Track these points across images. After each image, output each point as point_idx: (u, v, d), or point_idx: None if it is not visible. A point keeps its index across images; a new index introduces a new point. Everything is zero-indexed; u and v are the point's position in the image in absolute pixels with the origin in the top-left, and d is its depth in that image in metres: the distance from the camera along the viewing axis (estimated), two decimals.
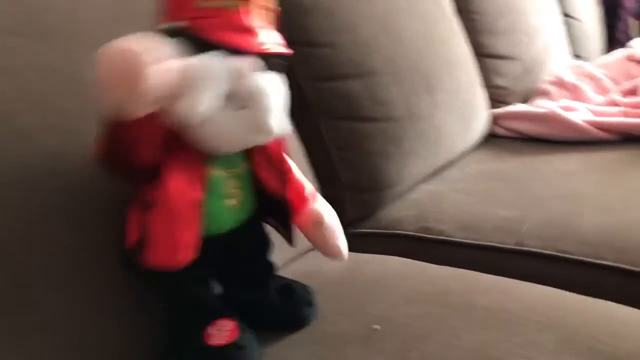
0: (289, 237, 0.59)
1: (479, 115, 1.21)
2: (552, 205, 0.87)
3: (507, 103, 1.37)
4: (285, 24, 0.85)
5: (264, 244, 0.61)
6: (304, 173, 0.85)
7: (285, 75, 0.51)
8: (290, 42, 0.85)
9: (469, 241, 0.81)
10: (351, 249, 0.83)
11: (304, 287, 0.62)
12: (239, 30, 0.47)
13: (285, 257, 0.77)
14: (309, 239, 0.61)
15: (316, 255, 0.82)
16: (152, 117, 0.43)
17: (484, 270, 0.71)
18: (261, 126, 0.48)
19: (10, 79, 0.53)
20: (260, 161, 0.55)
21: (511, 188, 0.94)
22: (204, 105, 0.45)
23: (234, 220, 0.54)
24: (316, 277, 0.71)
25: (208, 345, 0.52)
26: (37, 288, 0.50)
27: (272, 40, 0.49)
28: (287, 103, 0.51)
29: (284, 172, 0.56)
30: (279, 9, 0.51)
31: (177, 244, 0.48)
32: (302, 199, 0.59)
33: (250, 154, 0.55)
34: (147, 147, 0.46)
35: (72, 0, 0.60)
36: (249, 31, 0.47)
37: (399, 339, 0.56)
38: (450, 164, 1.11)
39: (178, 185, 0.48)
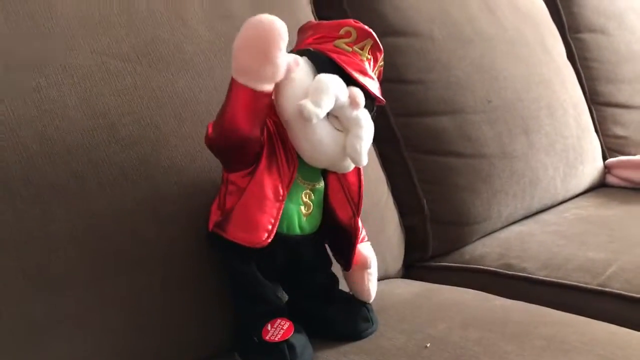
0: (343, 263, 0.64)
1: (588, 162, 1.17)
2: None
3: (627, 154, 1.31)
4: None
5: (325, 259, 0.65)
6: (386, 203, 0.89)
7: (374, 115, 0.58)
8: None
9: (549, 279, 0.79)
10: (429, 280, 0.84)
11: (363, 303, 0.65)
12: (361, 72, 0.56)
13: None
14: (346, 275, 0.66)
15: (391, 281, 0.84)
16: (267, 96, 0.51)
17: (562, 309, 0.69)
18: (350, 152, 0.54)
19: (120, 97, 0.62)
20: (335, 188, 0.61)
21: (606, 233, 0.90)
22: (323, 107, 0.52)
23: (301, 227, 0.59)
24: (387, 298, 0.73)
25: (263, 340, 0.56)
26: (116, 269, 0.58)
27: (375, 87, 0.57)
28: (373, 137, 0.57)
29: (355, 205, 0.61)
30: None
31: (257, 224, 0.54)
32: (359, 237, 0.64)
33: (329, 178, 0.61)
34: (250, 120, 0.52)
35: (179, 34, 0.69)
36: (367, 75, 0.56)
37: (446, 357, 0.57)
38: (549, 208, 1.08)
39: (270, 180, 0.55)
